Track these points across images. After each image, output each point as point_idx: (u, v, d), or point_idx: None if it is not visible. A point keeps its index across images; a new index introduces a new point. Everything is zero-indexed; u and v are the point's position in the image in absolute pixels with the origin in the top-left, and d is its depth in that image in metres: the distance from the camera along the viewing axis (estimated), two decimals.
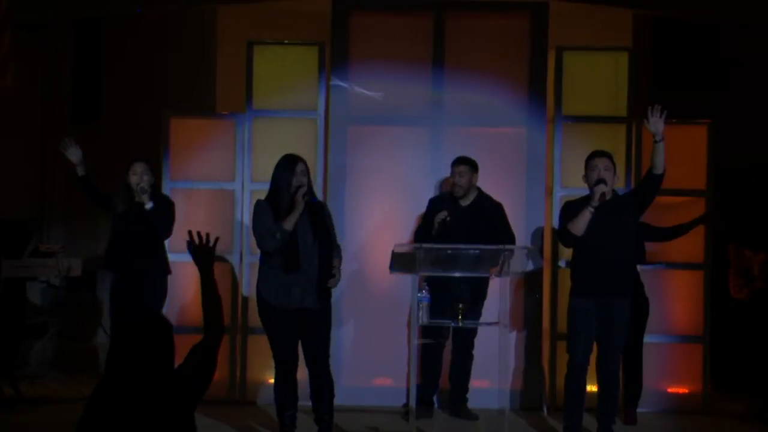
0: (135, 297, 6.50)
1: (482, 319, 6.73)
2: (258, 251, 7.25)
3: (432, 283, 6.30)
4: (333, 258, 5.94)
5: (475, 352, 6.98)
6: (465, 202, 6.91)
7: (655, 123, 5.86)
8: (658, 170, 5.94)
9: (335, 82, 7.44)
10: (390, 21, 7.56)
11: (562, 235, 6.15)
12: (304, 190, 5.78)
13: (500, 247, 6.28)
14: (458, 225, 6.74)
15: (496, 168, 7.41)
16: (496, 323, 6.21)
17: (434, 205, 6.98)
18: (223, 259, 7.32)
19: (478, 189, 6.97)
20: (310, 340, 5.89)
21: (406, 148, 7.45)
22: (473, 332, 6.87)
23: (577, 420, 6.08)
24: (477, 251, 6.22)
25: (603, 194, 5.88)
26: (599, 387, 6.12)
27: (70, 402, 7.15)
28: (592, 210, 5.89)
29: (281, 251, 5.80)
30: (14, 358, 8.02)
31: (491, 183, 7.27)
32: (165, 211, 6.64)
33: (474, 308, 6.70)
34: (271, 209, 5.83)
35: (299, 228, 5.80)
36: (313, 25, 7.59)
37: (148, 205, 6.51)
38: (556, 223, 7.29)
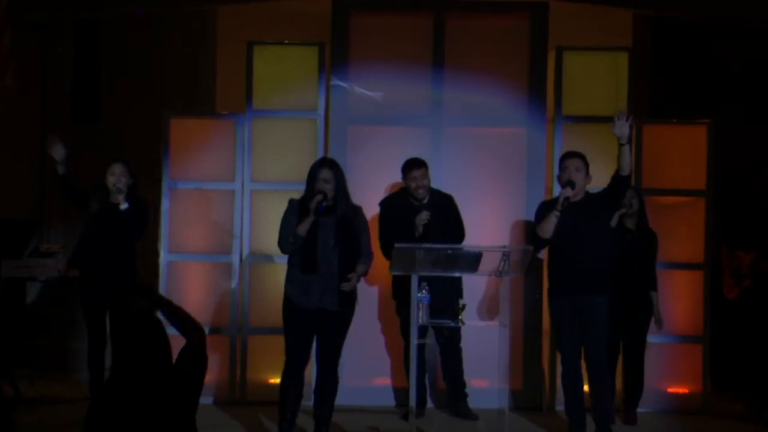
0: (103, 297, 6.50)
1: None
2: (258, 251, 7.32)
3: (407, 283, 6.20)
4: (358, 263, 5.94)
5: (465, 346, 6.95)
6: (420, 201, 6.89)
7: (621, 126, 5.93)
8: (625, 172, 6.07)
9: (335, 82, 7.44)
10: (390, 21, 7.56)
11: (531, 236, 6.22)
12: (320, 197, 5.79)
13: (500, 247, 6.28)
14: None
15: (496, 168, 7.42)
16: (496, 323, 6.21)
17: (387, 207, 6.94)
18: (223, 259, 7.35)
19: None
20: (324, 339, 5.92)
21: (406, 148, 7.43)
22: (457, 328, 6.83)
23: (580, 416, 6.10)
24: (477, 251, 6.21)
25: (567, 198, 6.00)
26: (589, 385, 6.14)
27: (70, 402, 7.15)
28: (558, 214, 6.01)
29: (300, 251, 5.83)
30: (14, 358, 8.02)
31: (491, 183, 7.28)
32: (139, 214, 6.63)
33: (451, 306, 6.61)
34: (298, 210, 5.89)
35: (321, 229, 5.83)
36: (313, 25, 7.59)
37: (123, 206, 6.51)
38: None
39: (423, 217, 6.73)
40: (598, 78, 7.51)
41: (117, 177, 6.55)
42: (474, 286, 7.01)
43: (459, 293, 6.77)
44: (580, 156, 6.16)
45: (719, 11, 7.79)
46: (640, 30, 8.15)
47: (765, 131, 8.39)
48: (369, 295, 7.34)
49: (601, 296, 6.06)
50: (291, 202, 6.00)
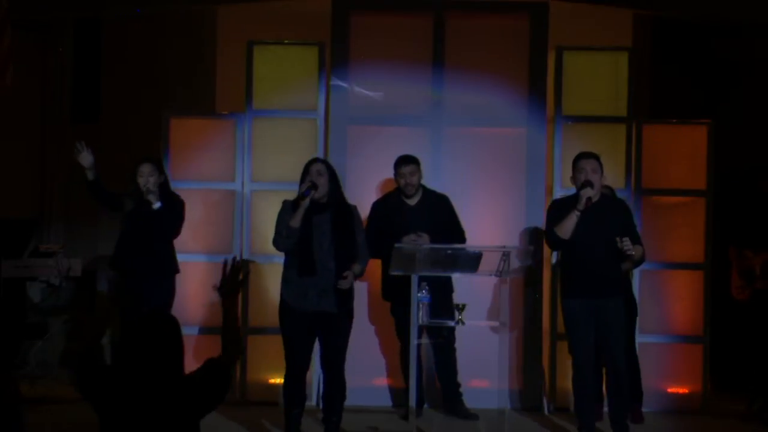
0: (142, 296, 6.50)
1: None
2: (258, 251, 7.32)
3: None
4: (355, 263, 5.92)
5: (465, 346, 6.94)
6: (412, 201, 6.85)
7: (632, 249, 5.88)
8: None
9: (335, 82, 7.44)
10: (390, 21, 7.55)
11: (548, 236, 6.16)
12: (308, 183, 5.80)
13: (500, 247, 6.28)
14: (408, 225, 6.68)
15: (496, 168, 7.41)
16: (496, 323, 6.20)
17: (379, 208, 6.92)
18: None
19: (422, 186, 6.93)
20: (326, 343, 5.91)
21: (406, 148, 7.42)
22: (452, 329, 6.80)
23: (590, 419, 6.09)
24: (477, 251, 6.21)
25: (589, 199, 5.91)
26: (606, 388, 6.12)
27: (70, 402, 7.14)
28: (578, 214, 5.92)
29: (296, 253, 5.82)
30: (14, 358, 8.02)
31: (491, 183, 7.28)
32: (173, 211, 6.63)
33: (444, 304, 6.59)
34: (292, 209, 5.88)
35: (316, 230, 5.82)
36: (313, 25, 7.59)
37: (156, 205, 6.50)
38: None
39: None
40: (598, 78, 7.51)
41: (145, 178, 6.52)
42: (474, 286, 6.99)
43: (450, 290, 6.77)
44: (596, 157, 6.07)
45: (719, 11, 7.78)
46: (640, 30, 8.14)
47: (765, 131, 8.39)
48: (368, 295, 7.34)
49: (616, 298, 6.04)
50: (284, 202, 5.99)
